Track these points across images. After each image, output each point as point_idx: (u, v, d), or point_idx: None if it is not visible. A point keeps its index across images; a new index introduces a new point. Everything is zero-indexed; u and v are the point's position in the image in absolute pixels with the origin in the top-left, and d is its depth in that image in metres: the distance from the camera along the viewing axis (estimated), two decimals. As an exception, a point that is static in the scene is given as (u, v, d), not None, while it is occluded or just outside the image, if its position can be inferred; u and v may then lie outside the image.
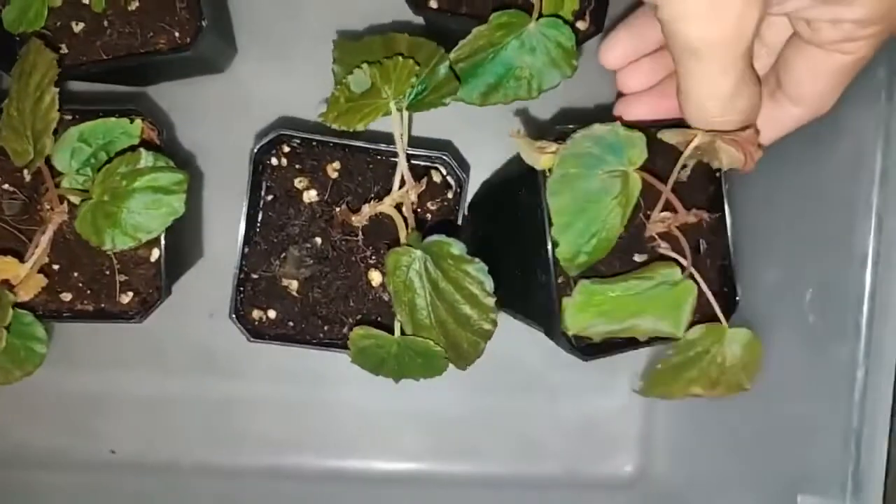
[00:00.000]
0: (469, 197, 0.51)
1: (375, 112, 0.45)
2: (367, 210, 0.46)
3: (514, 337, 0.56)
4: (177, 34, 0.49)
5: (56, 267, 0.49)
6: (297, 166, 0.49)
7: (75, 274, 0.50)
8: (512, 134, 0.40)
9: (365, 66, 0.44)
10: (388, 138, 0.47)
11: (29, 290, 0.45)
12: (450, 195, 0.50)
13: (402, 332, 0.44)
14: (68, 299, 0.50)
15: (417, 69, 0.44)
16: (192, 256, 0.59)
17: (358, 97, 0.44)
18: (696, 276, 0.41)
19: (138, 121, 0.47)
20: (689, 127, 0.38)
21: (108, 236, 0.43)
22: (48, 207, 0.47)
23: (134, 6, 0.49)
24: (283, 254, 0.49)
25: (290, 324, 0.49)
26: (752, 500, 0.50)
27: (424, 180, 0.47)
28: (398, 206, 0.46)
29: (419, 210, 0.49)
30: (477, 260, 0.40)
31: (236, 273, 0.48)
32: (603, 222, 0.38)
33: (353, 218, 0.47)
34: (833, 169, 0.45)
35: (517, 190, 0.46)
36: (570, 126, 0.40)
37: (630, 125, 0.39)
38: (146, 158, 0.43)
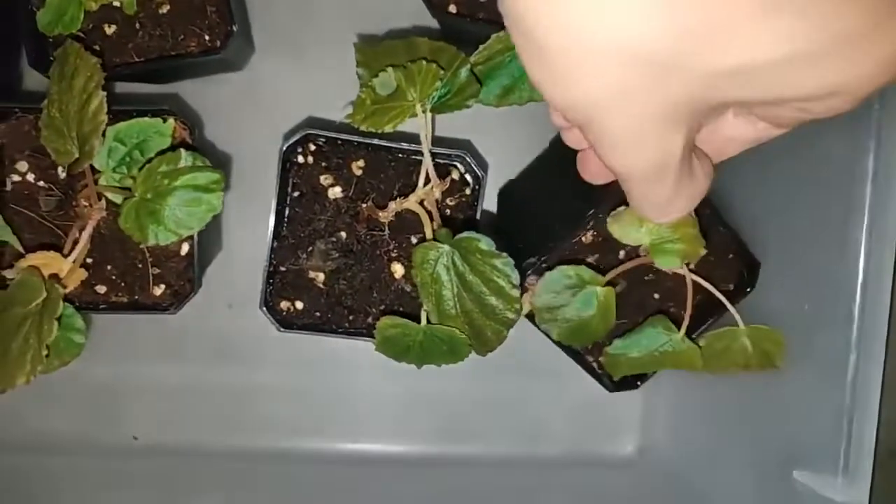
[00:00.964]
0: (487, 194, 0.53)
1: (402, 114, 0.47)
2: (394, 206, 0.49)
3: (519, 323, 0.59)
4: (207, 37, 0.51)
5: (90, 260, 0.51)
6: (322, 164, 0.52)
7: (108, 267, 0.52)
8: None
9: (390, 69, 0.46)
10: (408, 137, 0.50)
11: (71, 284, 0.47)
12: (467, 192, 0.52)
13: (428, 321, 0.47)
14: (103, 292, 0.52)
15: (442, 73, 0.47)
16: (214, 250, 0.61)
17: (384, 100, 0.46)
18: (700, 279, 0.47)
19: (171, 120, 0.49)
20: None
21: (151, 232, 0.45)
22: (86, 204, 0.49)
23: (165, 9, 0.51)
24: (310, 248, 0.51)
25: (317, 314, 0.52)
26: (749, 476, 0.53)
27: (448, 178, 0.50)
28: (421, 202, 0.49)
29: (439, 206, 0.52)
30: (504, 255, 0.43)
31: (266, 266, 0.51)
32: (594, 332, 0.48)
33: (380, 214, 0.49)
34: (828, 167, 0.48)
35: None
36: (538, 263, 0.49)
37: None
38: (185, 158, 0.45)
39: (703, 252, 0.47)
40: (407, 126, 0.48)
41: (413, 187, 0.50)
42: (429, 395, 0.67)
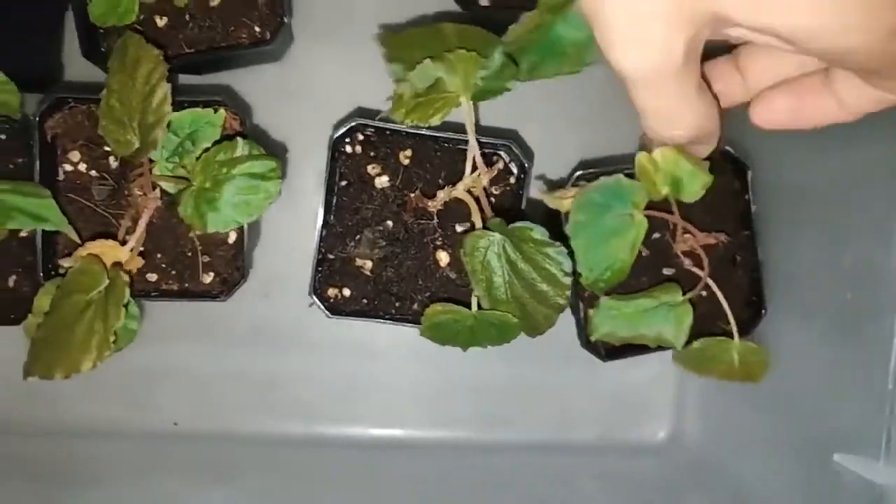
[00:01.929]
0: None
1: (447, 105, 0.47)
2: (442, 195, 0.50)
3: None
4: (257, 29, 0.52)
5: (142, 249, 0.52)
6: (370, 153, 0.53)
7: (159, 255, 0.53)
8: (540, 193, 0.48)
9: (428, 61, 0.45)
10: (452, 127, 0.50)
11: (132, 271, 0.48)
12: (512, 181, 0.53)
13: (479, 307, 0.48)
14: (154, 280, 0.53)
15: (483, 60, 0.46)
16: (255, 238, 0.62)
17: (424, 92, 0.46)
18: (714, 287, 0.49)
19: (222, 111, 0.50)
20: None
21: (210, 220, 0.46)
22: (140, 193, 0.49)
23: (216, 2, 0.52)
24: (358, 236, 0.52)
25: (364, 301, 0.53)
26: (787, 460, 0.54)
27: (495, 167, 0.51)
28: (469, 191, 0.50)
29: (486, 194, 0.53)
30: (558, 244, 0.44)
31: (315, 254, 0.52)
32: (614, 258, 0.45)
33: (429, 203, 0.50)
34: (868, 163, 0.49)
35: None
36: (591, 171, 0.50)
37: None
38: (242, 147, 0.46)
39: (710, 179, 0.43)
40: (449, 115, 0.48)
41: (458, 176, 0.51)
42: (463, 382, 0.68)
